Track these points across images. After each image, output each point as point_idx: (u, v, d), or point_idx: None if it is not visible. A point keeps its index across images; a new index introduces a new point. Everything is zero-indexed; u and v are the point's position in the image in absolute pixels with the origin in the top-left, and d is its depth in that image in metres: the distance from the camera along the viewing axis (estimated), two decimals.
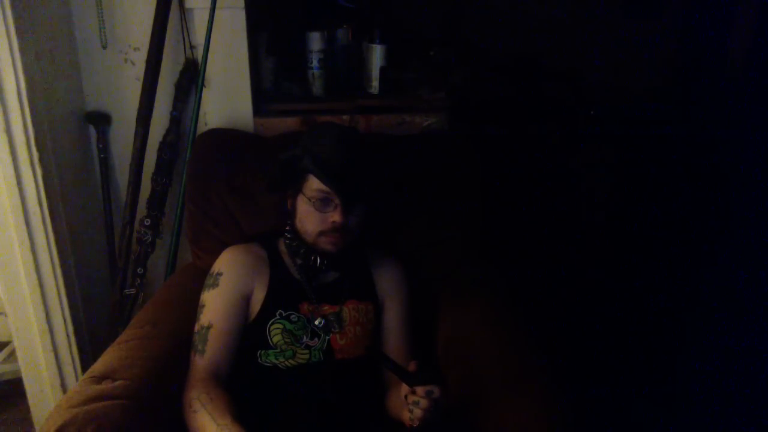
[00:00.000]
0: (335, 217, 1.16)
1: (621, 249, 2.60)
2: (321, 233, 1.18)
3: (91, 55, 1.65)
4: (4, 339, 1.91)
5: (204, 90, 1.62)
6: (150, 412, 1.04)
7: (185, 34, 1.63)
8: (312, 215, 1.18)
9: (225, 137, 1.55)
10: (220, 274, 1.22)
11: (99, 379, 1.04)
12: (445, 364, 1.28)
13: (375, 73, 1.75)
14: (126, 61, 1.66)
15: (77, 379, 1.64)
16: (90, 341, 1.70)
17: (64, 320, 1.60)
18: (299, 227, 1.22)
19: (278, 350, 1.17)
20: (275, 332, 1.18)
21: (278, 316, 1.19)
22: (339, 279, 1.28)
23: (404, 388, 0.99)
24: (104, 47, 1.64)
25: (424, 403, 0.96)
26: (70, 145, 1.65)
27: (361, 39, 1.78)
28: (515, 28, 2.67)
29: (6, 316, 1.59)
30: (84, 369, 1.63)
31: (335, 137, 1.19)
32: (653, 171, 2.65)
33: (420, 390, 0.96)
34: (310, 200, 1.18)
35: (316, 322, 1.21)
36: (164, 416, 1.08)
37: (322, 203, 1.17)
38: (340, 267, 1.26)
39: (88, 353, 1.68)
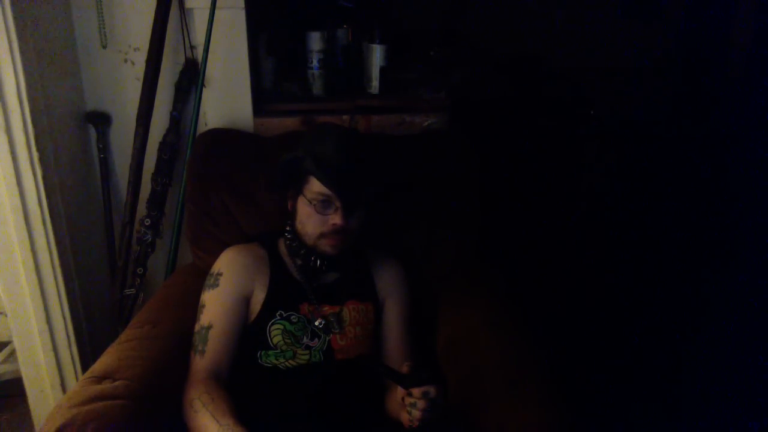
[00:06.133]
0: (336, 219, 1.16)
1: (621, 248, 2.60)
2: (321, 235, 1.18)
3: (91, 55, 1.65)
4: (4, 339, 1.90)
5: (204, 90, 1.62)
6: (150, 412, 1.04)
7: (185, 34, 1.63)
8: (312, 217, 1.18)
9: (225, 137, 1.55)
10: (220, 274, 1.22)
11: (99, 379, 1.04)
12: (445, 364, 1.28)
13: (375, 73, 1.75)
14: (126, 61, 1.66)
15: (77, 379, 1.64)
16: (90, 341, 1.69)
17: (64, 320, 1.60)
18: (299, 229, 1.22)
19: (278, 351, 1.17)
20: (275, 333, 1.18)
21: (278, 317, 1.19)
22: (339, 279, 1.28)
23: (401, 391, 0.99)
24: (104, 47, 1.64)
25: (421, 404, 0.96)
26: (70, 145, 1.65)
27: (361, 39, 1.78)
28: (515, 28, 2.67)
29: (6, 316, 1.59)
30: (84, 369, 1.63)
31: (336, 139, 1.19)
32: (653, 171, 2.65)
33: (416, 391, 0.96)
34: (310, 202, 1.18)
35: (317, 323, 1.21)
36: (164, 416, 1.08)
37: (322, 205, 1.17)
38: (341, 268, 1.26)
39: (88, 353, 1.68)
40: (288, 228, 1.27)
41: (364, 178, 1.18)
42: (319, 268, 1.22)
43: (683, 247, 2.52)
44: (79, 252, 1.64)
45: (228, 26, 1.60)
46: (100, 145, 1.71)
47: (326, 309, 1.23)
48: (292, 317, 1.20)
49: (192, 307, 1.24)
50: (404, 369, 0.99)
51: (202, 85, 1.60)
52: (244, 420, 1.04)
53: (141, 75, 1.60)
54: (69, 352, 1.63)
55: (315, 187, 1.17)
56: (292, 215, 1.25)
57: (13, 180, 1.44)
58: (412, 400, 0.97)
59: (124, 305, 1.67)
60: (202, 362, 1.15)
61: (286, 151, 1.22)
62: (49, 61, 1.51)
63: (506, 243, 2.06)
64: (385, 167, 1.31)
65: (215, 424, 1.02)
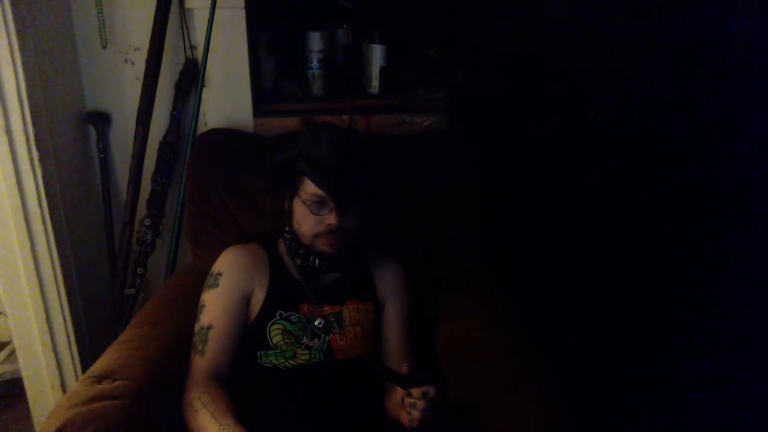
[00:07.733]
0: (330, 219, 1.16)
1: (621, 248, 2.60)
2: (317, 235, 1.18)
3: (91, 55, 1.65)
4: (4, 339, 1.90)
5: (204, 90, 1.62)
6: (150, 412, 1.04)
7: (185, 34, 1.63)
8: (308, 217, 1.18)
9: (225, 137, 1.55)
10: (220, 274, 1.22)
11: (99, 379, 1.04)
12: (445, 364, 1.28)
13: (375, 73, 1.75)
14: (126, 61, 1.66)
15: (77, 379, 1.64)
16: (90, 341, 1.70)
17: (64, 320, 1.60)
18: (296, 229, 1.22)
19: (278, 351, 1.17)
20: (275, 333, 1.18)
21: (278, 317, 1.19)
22: (339, 279, 1.28)
23: (400, 391, 0.99)
24: (104, 47, 1.64)
25: (420, 404, 0.96)
26: (70, 145, 1.65)
27: (361, 39, 1.78)
28: (515, 27, 2.67)
29: (6, 316, 1.59)
30: (84, 369, 1.63)
31: (330, 140, 1.18)
32: (653, 171, 2.65)
33: (416, 391, 0.97)
34: (305, 203, 1.18)
35: (316, 323, 1.21)
36: (164, 416, 1.08)
37: (317, 206, 1.17)
38: (340, 267, 1.26)
39: (88, 353, 1.68)
40: (287, 228, 1.27)
41: (358, 178, 1.18)
42: (318, 268, 1.22)
43: (683, 247, 2.52)
44: (79, 252, 1.64)
45: (228, 26, 1.60)
46: (100, 145, 1.71)
47: (326, 309, 1.23)
48: (292, 317, 1.20)
49: (192, 307, 1.24)
50: (403, 369, 0.99)
51: (202, 85, 1.60)
52: (244, 420, 1.04)
53: (141, 75, 1.60)
54: (69, 352, 1.63)
55: (309, 187, 1.17)
56: (289, 215, 1.25)
57: (13, 180, 1.44)
58: (411, 401, 0.97)
59: (124, 305, 1.67)
60: (202, 362, 1.15)
61: (283, 152, 1.22)
62: (49, 61, 1.51)
63: (506, 243, 2.06)
64: (383, 167, 1.31)
65: (215, 424, 1.02)
